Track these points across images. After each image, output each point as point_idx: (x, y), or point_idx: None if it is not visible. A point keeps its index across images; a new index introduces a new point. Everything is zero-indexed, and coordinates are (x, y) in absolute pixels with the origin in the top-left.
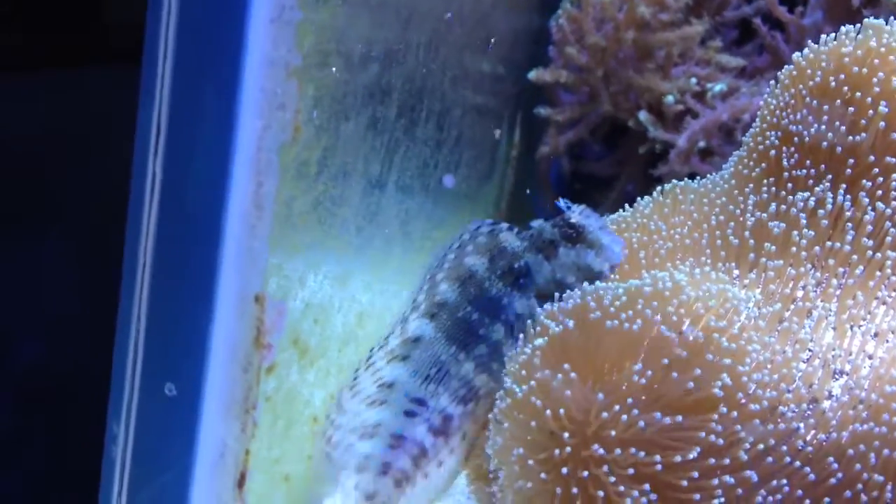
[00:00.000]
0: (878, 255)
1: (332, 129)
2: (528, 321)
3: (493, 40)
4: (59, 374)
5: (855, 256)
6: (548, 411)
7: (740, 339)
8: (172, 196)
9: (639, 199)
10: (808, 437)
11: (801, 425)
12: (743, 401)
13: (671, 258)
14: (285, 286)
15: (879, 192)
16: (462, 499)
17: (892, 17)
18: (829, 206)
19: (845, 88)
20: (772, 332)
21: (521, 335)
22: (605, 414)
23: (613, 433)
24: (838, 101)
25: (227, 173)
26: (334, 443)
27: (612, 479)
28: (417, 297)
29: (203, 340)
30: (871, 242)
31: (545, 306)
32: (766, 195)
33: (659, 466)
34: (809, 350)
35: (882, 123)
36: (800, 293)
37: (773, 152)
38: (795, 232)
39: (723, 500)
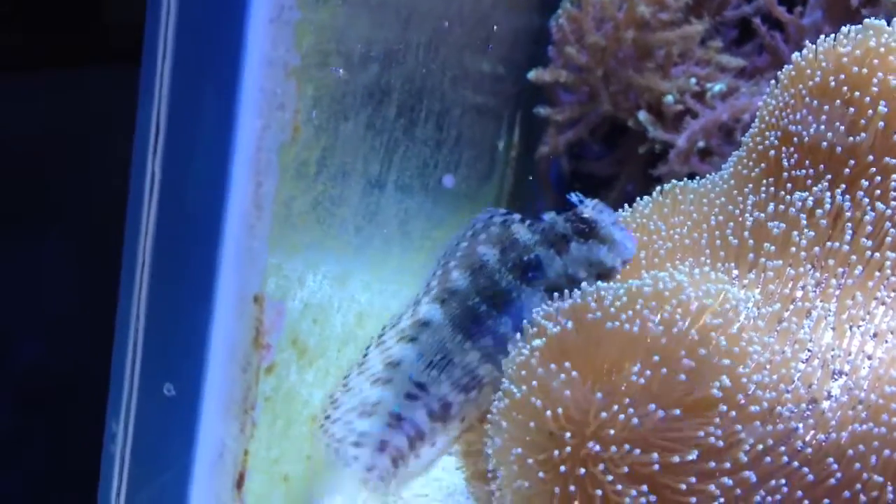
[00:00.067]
0: (878, 255)
1: (332, 129)
2: (527, 320)
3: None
4: (59, 374)
5: (854, 257)
6: (547, 412)
7: (740, 339)
8: (171, 196)
9: (638, 199)
10: (808, 438)
11: (800, 426)
12: (743, 402)
13: (670, 258)
14: (284, 286)
15: (878, 191)
16: (462, 499)
17: (891, 17)
18: (828, 207)
19: (845, 88)
20: (771, 333)
21: (520, 334)
22: (604, 414)
23: (612, 432)
24: (838, 101)
25: (227, 173)
26: (333, 419)
27: (610, 477)
28: (430, 281)
29: (202, 340)
30: (870, 243)
31: (545, 304)
32: (765, 195)
33: (657, 466)
34: (808, 350)
35: (881, 123)
36: (799, 293)
37: (772, 152)
38: (795, 232)
39: (722, 500)
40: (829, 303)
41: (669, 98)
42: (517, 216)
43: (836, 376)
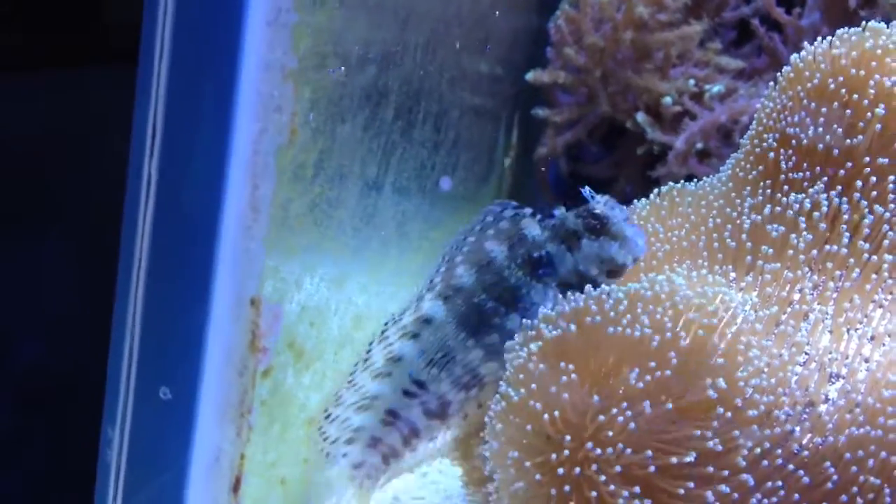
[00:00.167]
0: (875, 258)
1: (329, 132)
2: (525, 322)
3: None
4: (59, 375)
5: (852, 260)
6: (545, 415)
7: (737, 343)
8: (168, 198)
9: (636, 201)
10: (804, 441)
11: (797, 429)
12: (740, 405)
13: (668, 260)
14: (281, 289)
15: (875, 193)
16: (458, 502)
17: (889, 19)
18: (826, 209)
19: (843, 91)
20: (768, 336)
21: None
22: (601, 417)
23: (610, 434)
24: (836, 103)
25: (223, 176)
26: (332, 417)
27: (603, 477)
28: (434, 277)
29: (198, 344)
30: (867, 245)
31: (535, 310)
32: (762, 198)
33: (653, 468)
34: (806, 353)
35: (878, 126)
36: (796, 296)
37: (770, 155)
38: (793, 235)
39: None
40: (826, 306)
41: (668, 99)
42: (528, 210)
43: (833, 379)
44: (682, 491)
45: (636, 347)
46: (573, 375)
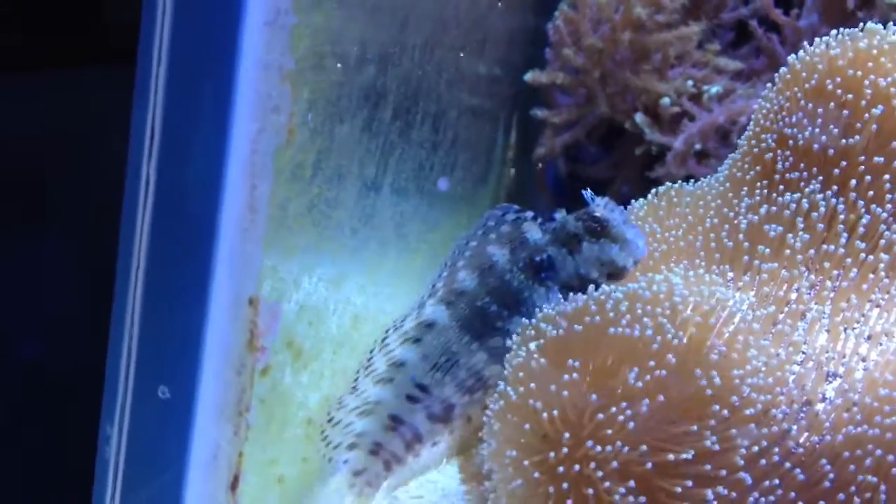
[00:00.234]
0: (872, 257)
1: (327, 132)
2: (524, 321)
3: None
4: (59, 374)
5: (849, 259)
6: (544, 413)
7: (735, 342)
8: (166, 199)
9: (634, 201)
10: (801, 440)
11: (794, 427)
12: (737, 404)
13: (665, 260)
14: (280, 288)
15: (871, 193)
16: (456, 501)
17: (886, 19)
18: (823, 209)
19: (840, 91)
20: (766, 335)
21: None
22: (600, 415)
23: (609, 432)
24: (832, 103)
25: (222, 176)
26: (335, 422)
27: (600, 473)
28: (436, 283)
29: (197, 343)
30: (864, 245)
31: (537, 313)
32: (759, 198)
33: (650, 466)
34: (803, 353)
35: (875, 126)
36: (794, 296)
37: (768, 155)
38: (790, 235)
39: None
40: (823, 305)
41: (666, 100)
42: (530, 213)
43: (830, 378)
44: (679, 489)
45: (635, 347)
46: (574, 374)
